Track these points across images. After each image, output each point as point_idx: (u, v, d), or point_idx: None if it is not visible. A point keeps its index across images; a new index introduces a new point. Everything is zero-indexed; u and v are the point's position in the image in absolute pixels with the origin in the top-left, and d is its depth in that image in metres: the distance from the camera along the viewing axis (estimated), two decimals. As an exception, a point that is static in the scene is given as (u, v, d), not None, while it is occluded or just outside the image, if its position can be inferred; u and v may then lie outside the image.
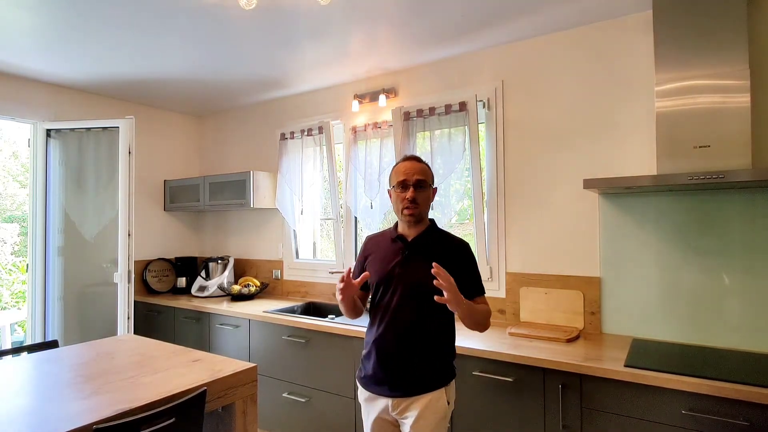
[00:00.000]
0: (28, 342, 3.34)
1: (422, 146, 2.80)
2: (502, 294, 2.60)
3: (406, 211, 1.61)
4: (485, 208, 2.67)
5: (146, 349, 1.95)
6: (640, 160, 2.24)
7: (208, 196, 3.67)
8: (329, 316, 2.80)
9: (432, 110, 2.71)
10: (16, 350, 2.05)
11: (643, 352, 1.92)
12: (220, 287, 3.54)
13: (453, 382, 1.65)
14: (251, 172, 3.41)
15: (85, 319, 3.38)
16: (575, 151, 2.41)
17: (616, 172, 2.30)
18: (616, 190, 2.09)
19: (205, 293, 3.57)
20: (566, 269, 2.42)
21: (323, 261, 3.47)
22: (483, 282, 1.72)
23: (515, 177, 2.59)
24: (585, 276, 2.36)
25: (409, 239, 1.65)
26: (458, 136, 2.66)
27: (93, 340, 3.31)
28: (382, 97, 2.99)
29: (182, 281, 3.85)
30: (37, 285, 3.27)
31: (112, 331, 3.31)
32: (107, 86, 3.35)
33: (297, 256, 3.60)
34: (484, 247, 2.64)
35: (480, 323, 1.59)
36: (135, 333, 3.70)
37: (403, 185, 1.61)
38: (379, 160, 3.00)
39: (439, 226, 1.74)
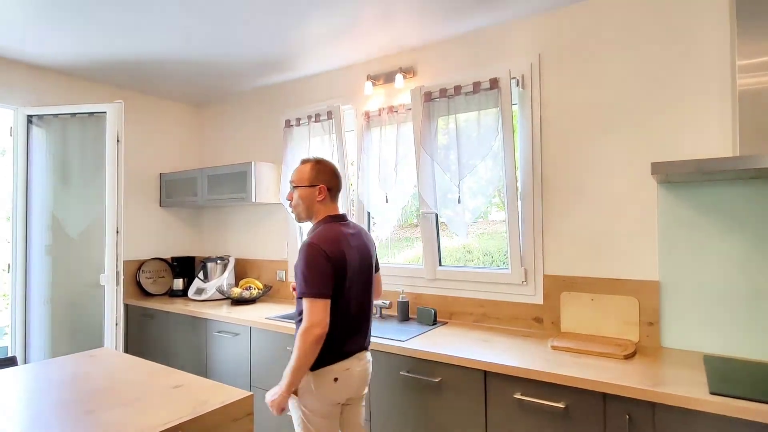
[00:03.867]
0: (11, 350, 3.04)
1: (443, 133, 2.45)
2: (538, 300, 2.26)
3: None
4: (519, 202, 2.32)
5: (119, 370, 1.62)
6: (707, 144, 1.88)
7: (206, 190, 3.36)
8: (340, 324, 2.47)
9: (458, 89, 2.37)
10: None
11: (724, 374, 1.57)
12: (219, 290, 3.22)
13: (310, 376, 1.62)
14: (253, 163, 3.09)
15: (74, 324, 3.07)
16: (626, 135, 2.06)
17: (675, 157, 1.94)
18: (686, 178, 1.74)
19: (203, 296, 3.25)
20: (617, 271, 2.07)
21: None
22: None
23: (555, 165, 2.24)
24: (640, 279, 2.01)
25: None
26: (488, 119, 2.31)
27: (82, 346, 3.03)
28: (398, 76, 2.65)
29: (179, 283, 3.54)
30: (18, 286, 2.97)
31: (101, 338, 3.00)
32: (95, 69, 3.04)
33: (303, 256, 3.28)
34: (518, 246, 2.29)
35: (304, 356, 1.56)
36: (127, 339, 3.42)
37: None
38: (396, 148, 2.67)
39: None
